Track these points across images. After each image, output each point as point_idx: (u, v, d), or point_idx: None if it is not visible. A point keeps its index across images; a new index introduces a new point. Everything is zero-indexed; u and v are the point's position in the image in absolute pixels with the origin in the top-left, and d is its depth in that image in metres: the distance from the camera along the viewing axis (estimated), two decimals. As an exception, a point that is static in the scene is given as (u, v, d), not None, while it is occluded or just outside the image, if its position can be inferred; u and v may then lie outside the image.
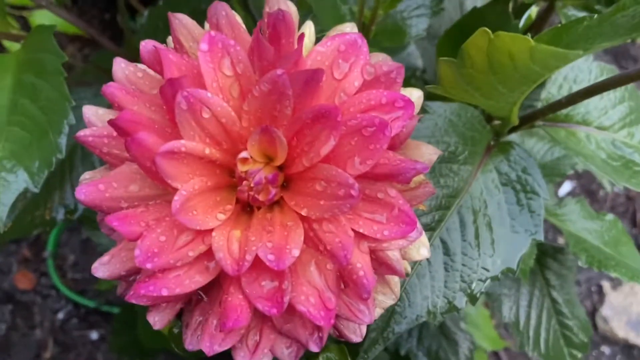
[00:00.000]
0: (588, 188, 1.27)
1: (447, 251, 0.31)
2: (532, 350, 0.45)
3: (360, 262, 0.24)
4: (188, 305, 0.26)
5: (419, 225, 0.24)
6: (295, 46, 0.24)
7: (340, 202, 0.23)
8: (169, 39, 0.27)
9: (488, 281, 0.31)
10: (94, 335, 1.09)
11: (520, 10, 0.39)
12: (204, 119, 0.23)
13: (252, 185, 0.24)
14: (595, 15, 0.21)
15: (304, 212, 0.24)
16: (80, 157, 0.49)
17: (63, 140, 0.32)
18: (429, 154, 0.25)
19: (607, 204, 1.31)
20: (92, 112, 0.26)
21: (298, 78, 0.23)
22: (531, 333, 0.45)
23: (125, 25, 0.57)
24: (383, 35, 0.37)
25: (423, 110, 0.32)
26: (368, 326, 0.31)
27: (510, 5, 0.43)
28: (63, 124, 0.32)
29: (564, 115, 0.34)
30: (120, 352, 0.80)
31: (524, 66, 0.23)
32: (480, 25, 0.32)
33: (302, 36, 0.23)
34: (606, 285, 1.20)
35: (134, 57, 0.46)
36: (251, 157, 0.24)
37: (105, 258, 0.25)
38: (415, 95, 0.27)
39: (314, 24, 0.29)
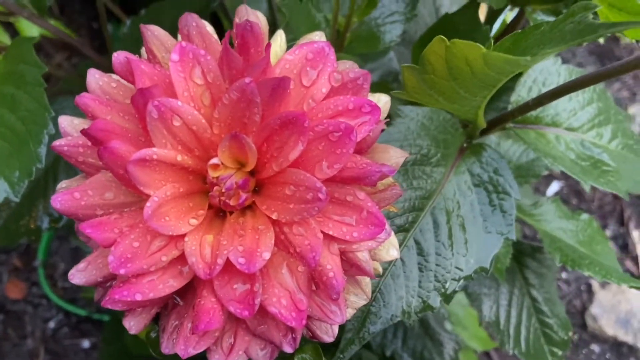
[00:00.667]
0: (575, 188, 1.28)
1: (421, 252, 0.32)
2: (513, 349, 0.46)
3: (331, 263, 0.24)
4: (164, 309, 0.27)
5: (387, 226, 0.25)
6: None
7: (308, 205, 0.24)
8: (143, 49, 0.27)
9: (462, 281, 0.32)
10: (86, 343, 1.08)
11: (494, 16, 0.40)
12: (175, 127, 0.24)
13: (223, 190, 0.24)
14: (551, 22, 0.22)
15: (274, 216, 0.24)
16: (64, 166, 0.50)
17: (43, 150, 0.32)
18: (396, 157, 0.26)
19: (595, 203, 1.32)
20: (68, 122, 0.26)
21: (265, 86, 0.23)
22: (511, 332, 0.46)
23: (107, 34, 0.58)
24: (358, 42, 0.38)
25: (395, 114, 0.33)
26: (344, 326, 0.32)
27: (485, 11, 0.44)
28: (43, 134, 0.33)
29: (533, 117, 0.35)
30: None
31: (481, 72, 0.23)
32: (452, 31, 0.33)
33: (269, 45, 0.24)
34: (595, 284, 1.22)
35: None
36: (222, 164, 0.25)
37: (81, 265, 0.26)
38: (383, 100, 0.27)
39: (290, 33, 0.29)
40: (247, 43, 0.24)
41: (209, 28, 0.26)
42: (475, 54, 0.22)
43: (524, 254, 0.47)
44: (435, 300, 0.32)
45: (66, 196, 0.25)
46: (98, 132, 0.23)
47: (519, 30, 0.25)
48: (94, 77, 0.26)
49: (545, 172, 0.46)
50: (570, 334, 0.46)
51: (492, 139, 0.44)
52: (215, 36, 0.27)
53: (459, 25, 0.35)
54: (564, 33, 0.21)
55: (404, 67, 0.26)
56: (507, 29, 0.39)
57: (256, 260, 0.23)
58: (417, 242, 0.32)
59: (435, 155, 0.33)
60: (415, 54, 0.39)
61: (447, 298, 0.32)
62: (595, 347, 1.18)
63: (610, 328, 1.19)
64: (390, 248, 0.26)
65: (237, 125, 0.24)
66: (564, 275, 1.21)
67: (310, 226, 0.24)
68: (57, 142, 0.25)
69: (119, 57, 0.25)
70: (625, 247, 1.30)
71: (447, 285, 0.32)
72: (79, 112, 0.53)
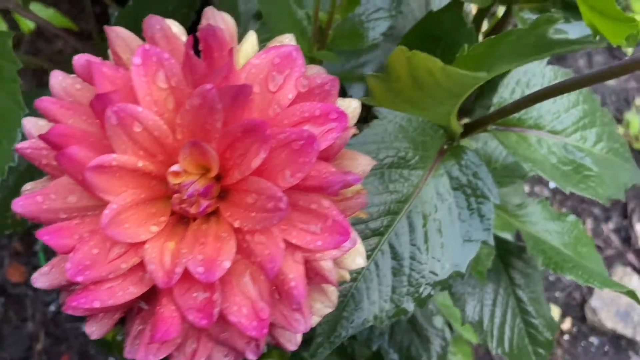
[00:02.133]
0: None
1: (395, 256, 0.32)
2: (496, 349, 0.46)
3: (293, 272, 0.24)
4: (130, 312, 0.27)
5: (353, 234, 0.25)
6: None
7: (269, 214, 0.23)
8: (109, 50, 0.27)
9: (437, 286, 0.32)
10: (86, 327, 1.10)
11: (481, 13, 0.39)
12: (135, 132, 0.23)
13: (184, 197, 0.24)
14: (519, 31, 0.21)
15: (236, 224, 0.24)
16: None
17: (15, 153, 0.32)
18: (364, 164, 0.26)
19: (597, 195, 1.31)
20: (32, 124, 0.26)
21: (227, 93, 0.23)
22: (495, 332, 0.46)
23: (93, 24, 0.57)
24: (341, 39, 0.37)
25: (373, 115, 0.32)
26: (314, 329, 0.32)
27: (475, 8, 0.43)
28: (16, 132, 0.33)
29: (516, 119, 0.34)
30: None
31: (443, 83, 0.23)
32: (436, 29, 0.32)
33: (232, 50, 0.23)
34: (594, 276, 1.21)
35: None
36: (184, 170, 0.24)
37: (45, 268, 0.26)
38: (353, 105, 0.27)
39: (267, 31, 0.29)
40: (211, 47, 0.24)
41: (176, 29, 0.26)
42: (435, 67, 0.22)
43: (511, 254, 0.47)
44: (409, 305, 0.31)
45: (28, 200, 0.24)
46: (56, 137, 0.23)
47: (493, 37, 0.24)
48: (57, 79, 0.25)
49: (533, 173, 0.45)
50: (556, 334, 0.46)
51: (480, 137, 0.43)
52: (183, 38, 0.26)
53: (443, 23, 0.34)
54: (525, 47, 0.20)
55: (369, 76, 0.25)
56: (496, 25, 0.38)
57: (215, 269, 0.23)
58: (391, 246, 0.32)
59: (413, 157, 0.32)
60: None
61: (421, 303, 0.32)
62: (594, 340, 1.18)
63: (609, 321, 1.19)
64: (357, 256, 0.26)
65: (199, 132, 0.24)
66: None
67: (272, 235, 0.24)
68: (20, 145, 0.25)
69: (79, 59, 0.24)
70: (627, 240, 1.29)
71: (421, 290, 0.31)
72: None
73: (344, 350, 0.53)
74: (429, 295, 0.32)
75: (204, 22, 0.26)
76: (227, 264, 0.23)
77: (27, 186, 0.27)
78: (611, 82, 1.37)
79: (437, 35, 0.34)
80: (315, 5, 0.35)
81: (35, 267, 1.11)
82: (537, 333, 0.46)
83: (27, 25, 0.87)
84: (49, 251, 1.12)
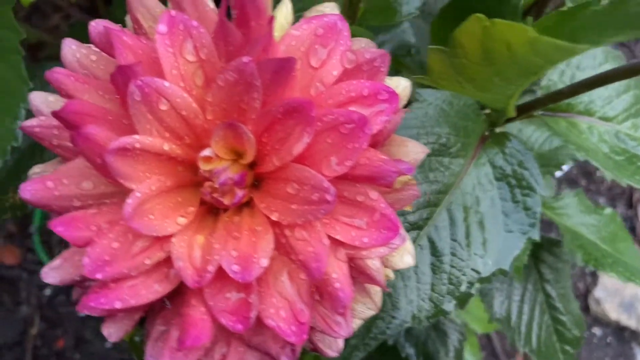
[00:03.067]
0: (585, 169, 1.25)
1: (434, 251, 0.29)
2: (524, 346, 0.44)
3: (337, 272, 0.21)
4: (150, 311, 0.24)
5: (402, 231, 0.22)
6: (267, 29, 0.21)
7: (313, 207, 0.20)
8: (128, 17, 0.24)
9: (478, 284, 0.29)
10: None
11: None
12: (161, 111, 0.20)
13: (216, 186, 0.21)
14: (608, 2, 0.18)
15: (274, 217, 0.21)
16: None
17: (19, 130, 0.29)
18: (415, 152, 0.23)
19: (604, 184, 1.29)
20: (41, 100, 0.23)
21: (267, 67, 0.20)
22: (523, 328, 0.43)
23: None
24: (372, 13, 0.34)
25: (413, 98, 0.29)
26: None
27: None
28: (19, 109, 0.30)
29: (565, 105, 0.31)
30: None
31: (524, 58, 0.20)
32: (478, 3, 0.29)
33: (272, 19, 0.20)
34: (600, 267, 1.19)
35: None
36: (216, 155, 0.21)
37: (56, 262, 0.23)
38: (403, 85, 0.24)
39: (294, 3, 0.26)
40: (247, 14, 0.21)
41: (205, -4, 0.23)
42: (520, 38, 0.19)
43: (541, 248, 0.44)
44: (449, 305, 0.29)
45: (38, 185, 0.22)
46: (72, 114, 0.20)
47: (562, 9, 0.21)
48: (70, 48, 0.22)
49: (570, 163, 0.42)
50: (584, 331, 0.44)
51: (515, 125, 0.41)
52: (212, 4, 0.23)
53: (486, -2, 0.32)
54: (628, 18, 0.17)
55: (431, 50, 0.22)
56: (536, 2, 0.36)
57: (252, 267, 0.20)
58: (431, 241, 0.29)
59: (454, 144, 0.30)
60: (435, 30, 0.35)
61: (461, 302, 0.29)
62: (597, 331, 1.17)
63: (613, 312, 1.18)
64: (405, 254, 0.23)
65: (233, 111, 0.21)
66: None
67: (315, 230, 0.21)
68: (27, 122, 0.22)
69: (97, 26, 0.21)
70: (632, 229, 1.27)
71: (461, 289, 0.29)
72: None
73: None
74: (470, 295, 0.29)
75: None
76: (264, 262, 0.20)
77: (35, 169, 0.24)
78: None
79: (478, 11, 0.31)
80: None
81: (30, 250, 1.09)
82: (565, 330, 0.44)
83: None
84: (45, 232, 1.09)
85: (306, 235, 0.21)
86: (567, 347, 0.44)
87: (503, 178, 0.30)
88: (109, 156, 0.19)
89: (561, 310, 0.44)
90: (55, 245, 1.09)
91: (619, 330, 1.17)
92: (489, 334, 1.09)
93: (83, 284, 0.23)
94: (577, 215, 0.42)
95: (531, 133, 0.43)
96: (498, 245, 0.29)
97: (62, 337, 1.07)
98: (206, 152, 0.21)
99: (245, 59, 0.20)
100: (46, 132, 0.22)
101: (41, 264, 1.07)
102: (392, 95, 0.22)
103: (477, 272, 0.29)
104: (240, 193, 0.21)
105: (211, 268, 0.20)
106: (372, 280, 0.22)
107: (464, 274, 0.29)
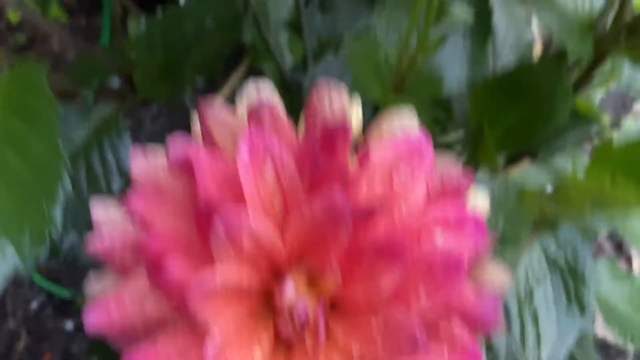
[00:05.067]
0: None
1: (489, 348, 0.29)
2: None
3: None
4: None
5: (482, 360, 0.21)
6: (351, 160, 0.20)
7: (399, 346, 0.20)
8: (195, 124, 0.22)
9: (531, 379, 0.29)
10: (69, 325, 1.05)
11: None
12: (243, 245, 0.19)
13: (295, 322, 0.20)
14: None
15: (355, 351, 0.20)
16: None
17: (58, 212, 0.27)
18: (497, 276, 0.22)
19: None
20: (102, 213, 0.22)
21: (358, 209, 0.19)
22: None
23: (116, 26, 0.52)
24: (419, 85, 0.33)
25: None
26: None
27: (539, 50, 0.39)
28: (57, 191, 0.28)
29: None
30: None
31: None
32: (532, 81, 0.29)
33: (367, 153, 0.19)
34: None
35: (118, 63, 0.41)
36: (295, 288, 0.20)
37: None
38: (481, 200, 0.23)
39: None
40: (335, 144, 0.20)
41: (281, 110, 0.22)
42: None
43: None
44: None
45: (102, 312, 0.20)
46: (154, 255, 0.19)
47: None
48: (140, 165, 0.21)
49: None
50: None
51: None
52: (286, 119, 0.22)
53: (541, 76, 0.31)
54: None
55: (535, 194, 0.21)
56: (581, 77, 0.35)
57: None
58: (485, 337, 0.29)
59: (510, 232, 0.29)
60: (477, 101, 0.34)
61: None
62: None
63: (599, 329, 1.19)
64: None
65: (316, 244, 0.20)
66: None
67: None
68: (95, 245, 0.21)
69: (176, 147, 0.20)
70: (619, 246, 1.29)
71: (515, 385, 0.29)
72: (83, 123, 0.47)
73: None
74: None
75: (315, 100, 0.22)
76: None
77: (94, 286, 0.22)
78: None
79: (531, 88, 0.30)
80: (405, 41, 0.30)
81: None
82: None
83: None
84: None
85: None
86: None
87: (555, 269, 0.29)
88: (192, 302, 0.18)
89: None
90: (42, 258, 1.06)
91: (605, 348, 1.19)
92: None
93: None
94: (607, 282, 0.42)
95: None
96: (552, 342, 0.29)
97: (48, 351, 1.05)
98: (289, 286, 0.20)
99: (337, 196, 0.19)
100: (110, 253, 0.21)
101: (27, 277, 1.04)
102: (479, 223, 0.21)
103: (531, 367, 0.29)
104: (322, 333, 0.20)
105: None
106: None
107: (518, 370, 0.29)
